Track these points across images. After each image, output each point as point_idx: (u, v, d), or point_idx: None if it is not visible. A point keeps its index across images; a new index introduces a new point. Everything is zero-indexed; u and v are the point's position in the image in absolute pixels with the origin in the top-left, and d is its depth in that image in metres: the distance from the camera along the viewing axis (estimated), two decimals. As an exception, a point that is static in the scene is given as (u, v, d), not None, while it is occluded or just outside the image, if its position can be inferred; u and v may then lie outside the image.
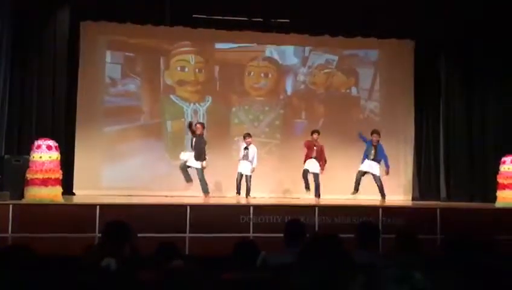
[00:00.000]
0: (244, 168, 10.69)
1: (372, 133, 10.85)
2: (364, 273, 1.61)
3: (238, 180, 10.70)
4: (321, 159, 10.80)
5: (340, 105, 12.82)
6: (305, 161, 10.80)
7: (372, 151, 10.68)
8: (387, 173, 10.61)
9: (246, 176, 10.66)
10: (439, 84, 12.45)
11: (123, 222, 3.82)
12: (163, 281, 2.30)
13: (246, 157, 10.69)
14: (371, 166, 10.71)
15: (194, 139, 10.34)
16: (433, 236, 7.88)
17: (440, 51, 12.38)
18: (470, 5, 11.10)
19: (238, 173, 10.72)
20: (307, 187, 10.66)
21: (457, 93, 12.26)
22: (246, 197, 10.58)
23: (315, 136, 10.81)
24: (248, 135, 10.86)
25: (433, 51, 12.45)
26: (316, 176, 10.76)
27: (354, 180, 10.79)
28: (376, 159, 10.70)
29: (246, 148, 10.72)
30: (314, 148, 10.74)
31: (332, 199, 10.65)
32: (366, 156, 10.72)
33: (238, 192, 10.68)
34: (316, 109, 12.81)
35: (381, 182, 10.69)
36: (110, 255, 3.49)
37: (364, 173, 10.76)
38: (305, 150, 10.87)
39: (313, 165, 10.74)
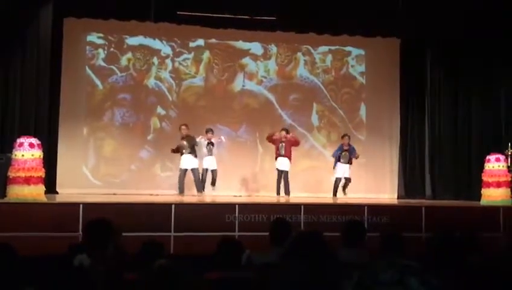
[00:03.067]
0: (210, 163, 10.71)
1: (343, 136, 11.03)
2: (358, 273, 1.57)
3: (204, 176, 10.71)
4: (290, 155, 10.76)
5: (325, 103, 12.81)
6: (276, 158, 10.80)
7: (345, 155, 10.84)
8: (357, 157, 11.13)
9: (213, 170, 10.71)
10: (424, 82, 12.49)
11: (105, 219, 3.75)
12: (148, 281, 2.25)
13: (210, 152, 10.71)
14: (345, 170, 10.96)
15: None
16: (418, 234, 7.90)
17: (425, 49, 12.42)
18: (455, 4, 11.13)
19: (204, 169, 10.71)
20: (279, 192, 10.71)
21: (443, 92, 12.31)
22: (212, 186, 10.71)
23: (284, 133, 10.80)
24: (211, 131, 10.85)
25: (418, 49, 12.48)
26: (285, 173, 10.73)
27: (333, 186, 11.01)
28: (349, 162, 10.87)
29: (210, 143, 10.72)
30: (281, 144, 10.70)
31: (318, 198, 10.65)
32: (339, 160, 10.94)
33: (203, 189, 10.68)
34: (299, 105, 12.76)
35: (349, 182, 11.04)
36: (89, 253, 3.43)
37: (341, 178, 11.00)
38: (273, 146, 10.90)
39: (282, 163, 10.72)
